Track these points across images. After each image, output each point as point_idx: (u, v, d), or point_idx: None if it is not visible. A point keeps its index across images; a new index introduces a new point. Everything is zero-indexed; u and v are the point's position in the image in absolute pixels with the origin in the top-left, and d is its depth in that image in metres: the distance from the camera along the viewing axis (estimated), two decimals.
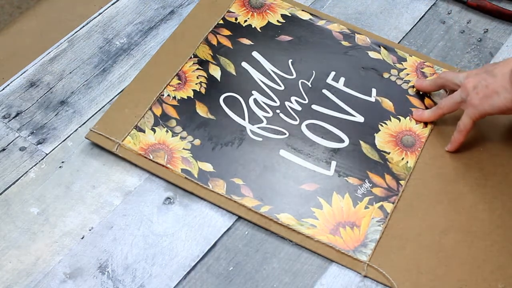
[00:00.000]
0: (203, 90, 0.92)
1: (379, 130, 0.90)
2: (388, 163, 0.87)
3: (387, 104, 0.93)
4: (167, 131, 0.88)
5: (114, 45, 0.97)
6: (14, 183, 0.83)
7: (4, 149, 0.86)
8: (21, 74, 0.93)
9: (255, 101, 0.92)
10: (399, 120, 0.91)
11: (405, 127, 0.91)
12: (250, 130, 0.89)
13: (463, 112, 0.87)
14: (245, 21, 1.00)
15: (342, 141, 0.89)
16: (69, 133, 0.88)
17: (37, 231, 0.80)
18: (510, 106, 0.82)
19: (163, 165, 0.85)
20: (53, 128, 0.89)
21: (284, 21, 1.00)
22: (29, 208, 0.82)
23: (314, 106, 0.92)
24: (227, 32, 0.98)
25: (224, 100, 0.92)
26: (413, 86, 0.95)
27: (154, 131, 0.88)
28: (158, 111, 0.89)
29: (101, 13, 1.00)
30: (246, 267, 0.79)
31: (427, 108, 0.93)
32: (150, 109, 0.89)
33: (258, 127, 0.89)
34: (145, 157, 0.85)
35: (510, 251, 0.81)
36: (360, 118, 0.91)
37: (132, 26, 0.99)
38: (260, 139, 0.88)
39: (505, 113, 0.84)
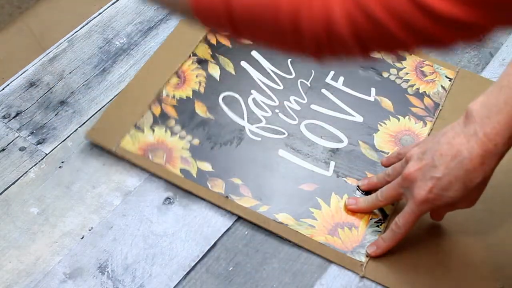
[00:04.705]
0: (202, 90, 0.92)
1: (378, 130, 0.90)
2: None
3: (387, 103, 0.93)
4: (166, 131, 0.88)
5: (114, 45, 0.97)
6: (14, 183, 0.84)
7: (4, 149, 0.86)
8: (21, 74, 0.93)
9: (254, 100, 0.92)
10: (398, 119, 0.91)
11: (404, 126, 0.91)
12: (249, 130, 0.89)
13: None
14: None
15: (341, 141, 0.89)
16: (69, 133, 0.88)
17: (37, 231, 0.80)
18: None
19: (162, 165, 0.85)
20: (53, 128, 0.89)
21: None
22: (29, 208, 0.82)
23: (313, 106, 0.92)
24: None
25: (223, 99, 0.92)
26: (412, 85, 0.94)
27: (153, 130, 0.88)
28: (157, 111, 0.89)
29: (101, 13, 1.00)
30: (246, 267, 0.79)
31: (426, 108, 0.92)
32: (149, 108, 0.89)
33: (257, 127, 0.89)
34: (144, 157, 0.85)
35: (509, 251, 0.81)
36: (359, 118, 0.91)
37: (132, 26, 0.99)
38: (259, 138, 0.89)
39: None
